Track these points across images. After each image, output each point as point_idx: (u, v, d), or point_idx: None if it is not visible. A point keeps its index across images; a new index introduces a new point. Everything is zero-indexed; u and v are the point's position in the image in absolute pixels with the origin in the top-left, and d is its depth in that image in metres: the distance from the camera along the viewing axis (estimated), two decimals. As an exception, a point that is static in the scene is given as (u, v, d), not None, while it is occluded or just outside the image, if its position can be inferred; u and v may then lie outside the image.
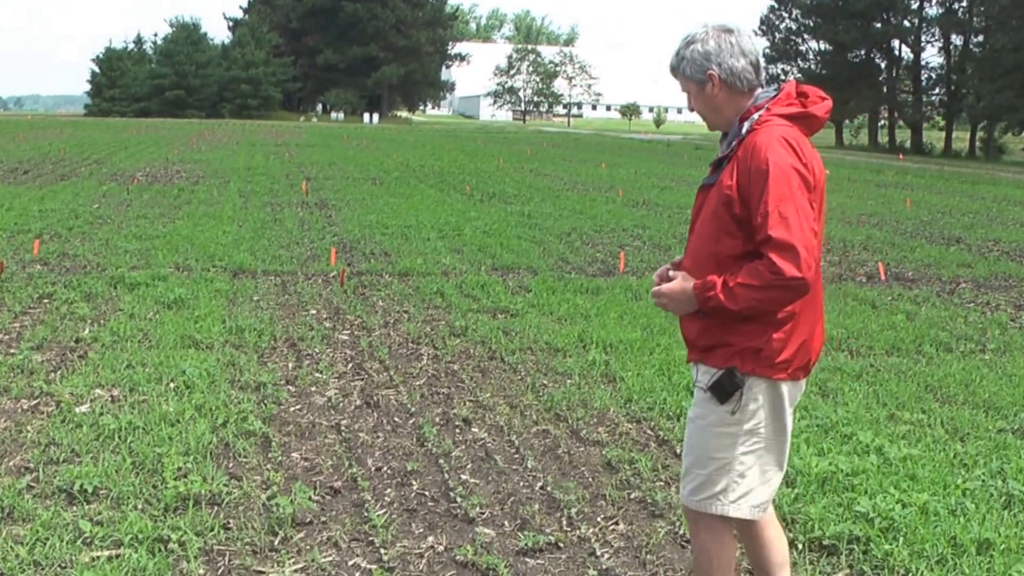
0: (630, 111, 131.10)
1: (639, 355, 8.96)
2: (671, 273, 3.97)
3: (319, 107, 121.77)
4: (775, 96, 3.84)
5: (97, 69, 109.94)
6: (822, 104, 3.86)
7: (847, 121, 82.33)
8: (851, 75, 74.87)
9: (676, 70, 3.92)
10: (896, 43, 76.01)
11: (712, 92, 3.86)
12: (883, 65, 77.07)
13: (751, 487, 3.90)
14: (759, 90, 3.88)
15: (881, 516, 5.51)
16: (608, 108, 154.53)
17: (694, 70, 3.85)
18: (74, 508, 5.43)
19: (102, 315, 9.93)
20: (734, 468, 3.86)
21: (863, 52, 76.52)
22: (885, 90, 75.73)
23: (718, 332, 3.82)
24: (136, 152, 36.34)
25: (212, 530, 5.22)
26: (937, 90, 75.94)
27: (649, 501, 5.87)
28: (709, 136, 74.45)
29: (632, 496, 5.97)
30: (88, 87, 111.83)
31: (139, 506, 5.45)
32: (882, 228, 19.98)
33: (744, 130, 3.79)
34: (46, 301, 10.54)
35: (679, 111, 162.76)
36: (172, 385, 7.60)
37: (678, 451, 6.66)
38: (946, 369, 8.93)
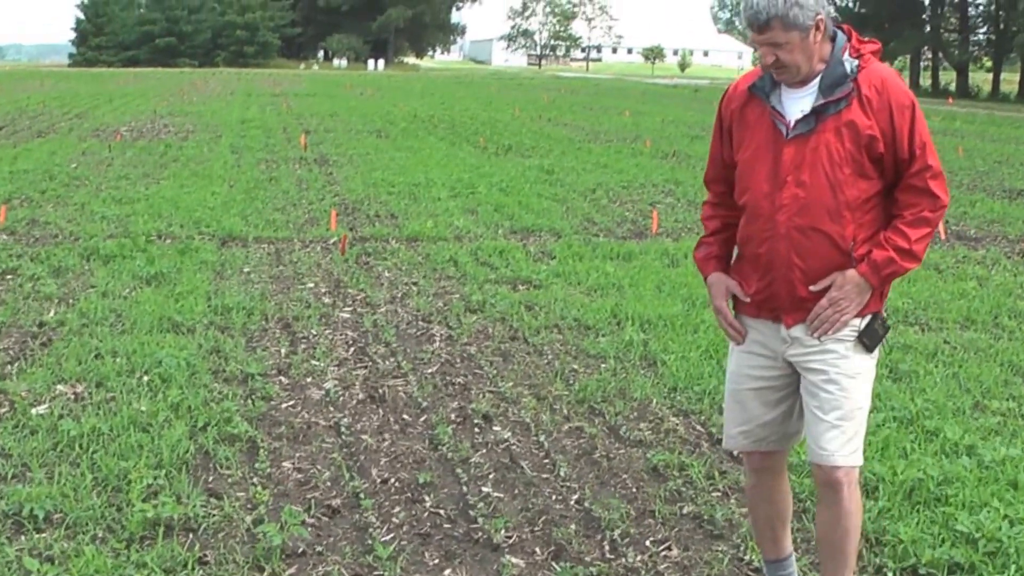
0: (653, 54, 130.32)
1: (681, 333, 8.36)
2: (826, 281, 3.84)
3: (320, 54, 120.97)
4: (848, 38, 3.84)
5: (82, 15, 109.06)
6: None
7: (888, 64, 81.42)
8: (892, 13, 73.68)
9: (781, 19, 3.67)
10: (941, -23, 75.01)
11: (815, 39, 3.74)
12: (926, 2, 75.93)
13: None
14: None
15: (986, 537, 4.91)
16: (629, 51, 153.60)
17: (805, 17, 3.68)
18: (21, 539, 4.82)
19: (71, 293, 9.35)
20: (867, 411, 3.98)
21: (905, -13, 75.46)
22: (928, 29, 74.61)
23: None
24: (121, 105, 35.76)
25: (185, 567, 4.61)
26: (984, 28, 74.94)
27: (706, 518, 5.27)
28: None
29: (685, 511, 5.37)
30: (73, 35, 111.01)
31: (99, 535, 4.86)
32: (937, 180, 19.25)
33: (850, 69, 3.76)
34: (9, 277, 9.94)
35: (705, 54, 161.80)
36: (146, 379, 7.00)
37: (735, 452, 6.05)
38: (1031, 346, 8.32)
